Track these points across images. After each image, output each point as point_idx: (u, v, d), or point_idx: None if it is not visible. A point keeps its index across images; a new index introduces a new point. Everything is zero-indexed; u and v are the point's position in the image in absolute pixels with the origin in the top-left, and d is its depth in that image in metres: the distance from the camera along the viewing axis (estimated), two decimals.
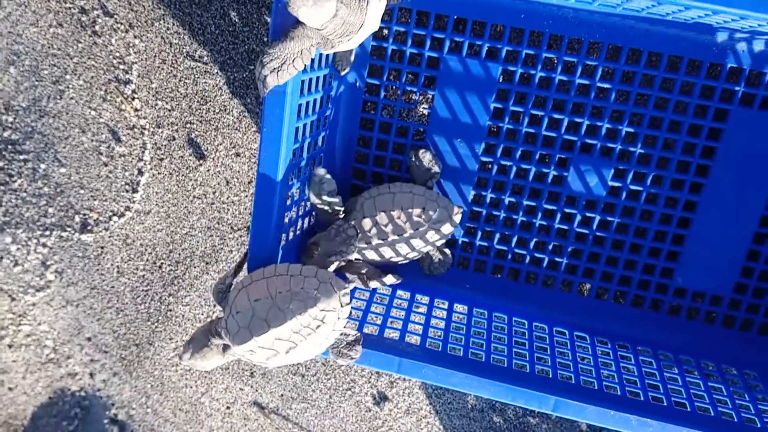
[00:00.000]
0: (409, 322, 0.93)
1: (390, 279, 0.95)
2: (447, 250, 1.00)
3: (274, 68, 0.74)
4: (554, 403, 0.82)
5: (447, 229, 0.94)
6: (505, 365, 0.87)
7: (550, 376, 0.87)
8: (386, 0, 0.77)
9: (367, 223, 0.92)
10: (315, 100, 0.88)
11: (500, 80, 0.93)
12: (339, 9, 0.69)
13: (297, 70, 0.74)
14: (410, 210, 0.92)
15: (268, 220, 0.83)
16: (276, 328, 0.74)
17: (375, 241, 0.92)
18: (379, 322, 0.92)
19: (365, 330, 0.90)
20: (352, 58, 0.92)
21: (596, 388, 0.86)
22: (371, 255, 0.94)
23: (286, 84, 0.78)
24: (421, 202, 0.93)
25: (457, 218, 0.94)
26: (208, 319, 1.13)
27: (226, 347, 0.80)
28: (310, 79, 0.85)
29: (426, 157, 0.96)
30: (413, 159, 0.96)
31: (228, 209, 1.08)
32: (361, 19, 0.71)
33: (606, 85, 0.90)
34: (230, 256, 1.11)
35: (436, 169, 0.96)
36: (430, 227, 0.93)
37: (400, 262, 0.97)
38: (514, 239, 0.99)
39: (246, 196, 1.07)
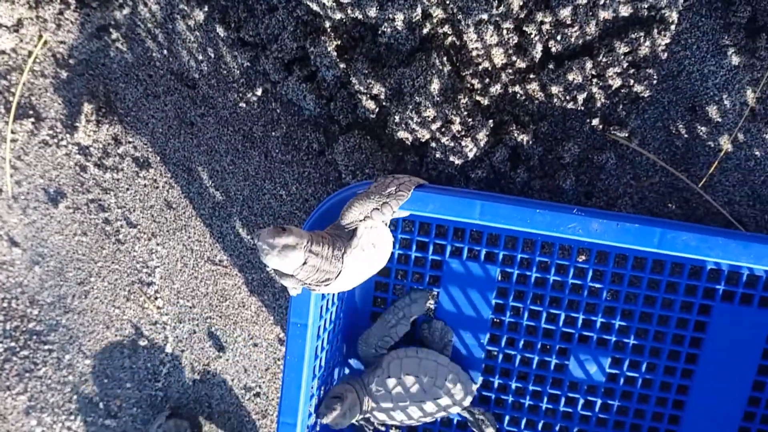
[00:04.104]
0: None
1: None
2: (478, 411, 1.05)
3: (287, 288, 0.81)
4: None
5: (463, 402, 1.00)
6: None
7: None
8: (376, 252, 0.80)
9: (391, 382, 0.98)
10: (331, 312, 0.95)
11: (499, 279, 1.01)
12: (308, 258, 0.74)
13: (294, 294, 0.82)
14: (433, 378, 0.99)
15: None
16: None
17: (391, 403, 0.98)
18: None
19: None
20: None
21: None
22: (382, 416, 0.99)
23: (307, 315, 0.87)
24: (444, 372, 0.99)
25: (472, 394, 1.00)
26: None
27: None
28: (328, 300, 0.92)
29: (438, 327, 1.02)
30: (426, 331, 1.03)
31: (245, 395, 1.14)
32: (338, 268, 0.77)
33: (597, 285, 0.98)
34: None
35: (449, 337, 1.02)
36: (449, 398, 0.99)
37: (406, 424, 1.02)
38: (523, 421, 1.05)
39: (264, 382, 1.12)
